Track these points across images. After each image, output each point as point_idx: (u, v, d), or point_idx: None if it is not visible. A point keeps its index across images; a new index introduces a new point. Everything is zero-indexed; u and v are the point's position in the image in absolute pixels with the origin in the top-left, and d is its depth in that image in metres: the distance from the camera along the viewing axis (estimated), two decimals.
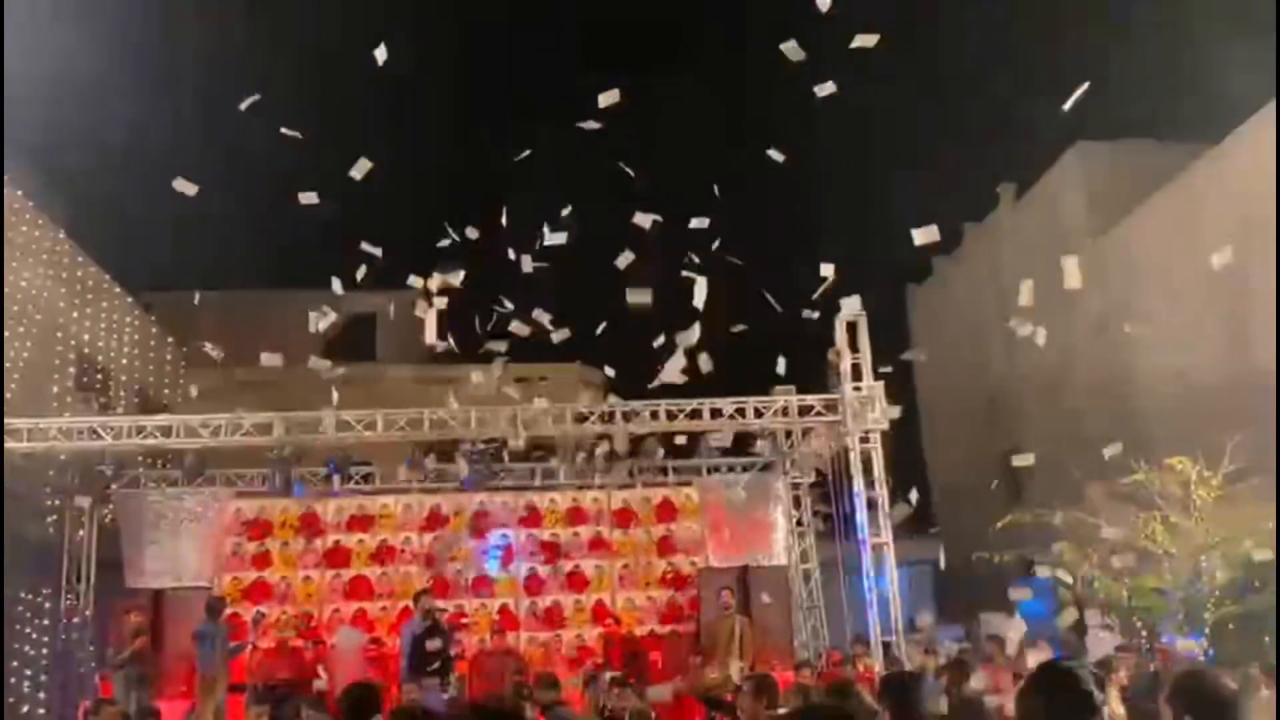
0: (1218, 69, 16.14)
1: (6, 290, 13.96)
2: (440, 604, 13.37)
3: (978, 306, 24.10)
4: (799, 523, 15.45)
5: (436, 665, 11.43)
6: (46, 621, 14.23)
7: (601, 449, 13.88)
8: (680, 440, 13.71)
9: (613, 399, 12.72)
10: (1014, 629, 14.55)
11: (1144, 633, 12.85)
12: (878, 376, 12.10)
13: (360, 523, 15.12)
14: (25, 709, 13.57)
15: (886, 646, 11.42)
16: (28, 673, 13.82)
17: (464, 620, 13.96)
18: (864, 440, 11.96)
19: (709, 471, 15.48)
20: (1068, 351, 20.27)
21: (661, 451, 14.69)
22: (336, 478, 14.13)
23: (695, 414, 12.38)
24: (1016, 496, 20.42)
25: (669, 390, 12.47)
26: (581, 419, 12.66)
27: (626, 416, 12.42)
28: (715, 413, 12.36)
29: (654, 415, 12.36)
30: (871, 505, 11.86)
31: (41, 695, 13.83)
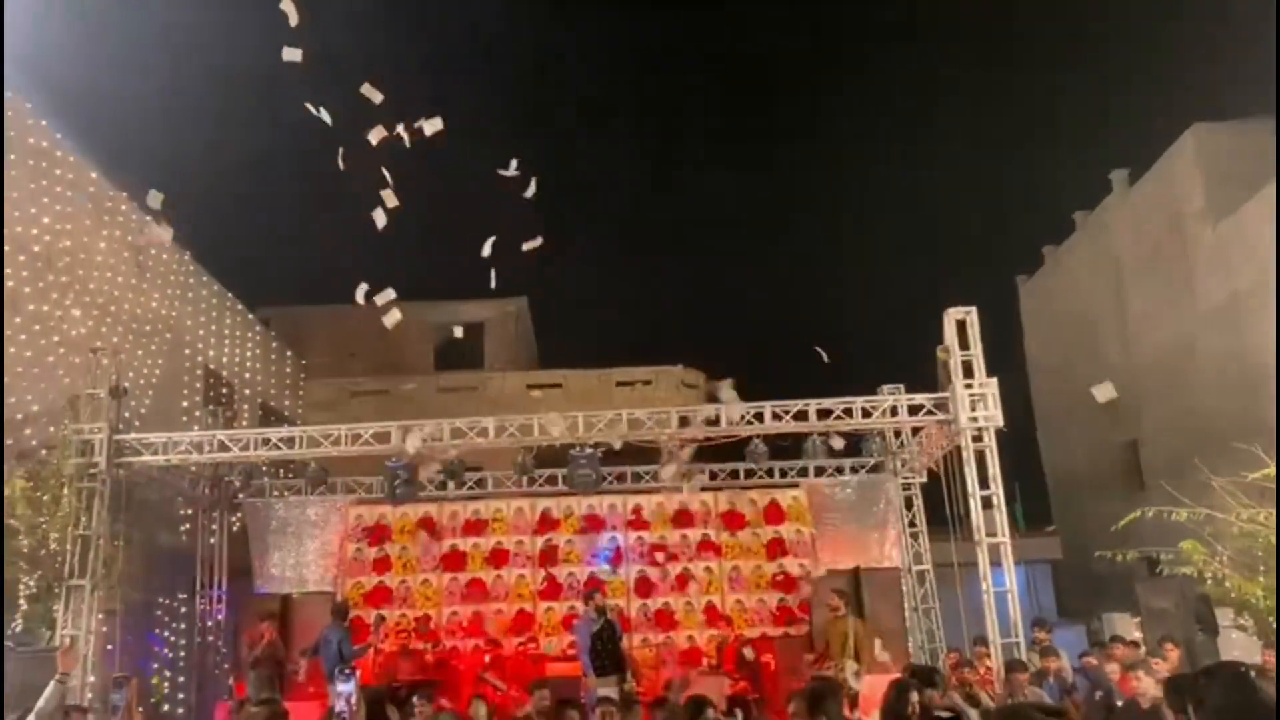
0: None
1: (140, 311, 14.72)
2: (611, 602, 13.43)
3: (1091, 296, 23.36)
4: (911, 523, 15.23)
5: (612, 662, 11.52)
6: (183, 625, 14.94)
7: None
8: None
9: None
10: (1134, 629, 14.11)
11: None
12: (990, 372, 11.83)
13: (475, 527, 15.51)
14: (166, 708, 14.27)
15: (1006, 648, 11.15)
16: (167, 673, 14.53)
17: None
18: (977, 439, 11.70)
19: (817, 473, 15.38)
20: (1190, 341, 19.50)
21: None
22: (450, 483, 14.43)
23: (801, 415, 12.26)
24: (1139, 492, 19.73)
25: (774, 391, 12.43)
26: (685, 422, 12.65)
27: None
28: (823, 413, 12.22)
29: (759, 417, 12.27)
30: (987, 504, 11.61)
31: (180, 695, 14.53)
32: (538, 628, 14.94)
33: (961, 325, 11.97)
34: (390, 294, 10.97)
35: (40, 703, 6.22)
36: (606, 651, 11.45)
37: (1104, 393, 13.85)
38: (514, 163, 10.24)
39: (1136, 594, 14.38)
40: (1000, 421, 11.67)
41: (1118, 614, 17.14)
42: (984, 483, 11.63)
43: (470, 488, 15.55)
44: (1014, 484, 18.13)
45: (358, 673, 11.55)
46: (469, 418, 12.50)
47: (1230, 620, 12.64)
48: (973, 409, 11.69)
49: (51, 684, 6.29)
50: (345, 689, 11.56)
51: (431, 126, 9.77)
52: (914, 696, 6.61)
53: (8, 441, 11.69)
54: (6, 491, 11.15)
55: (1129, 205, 22.06)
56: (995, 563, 11.55)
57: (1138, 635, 14.46)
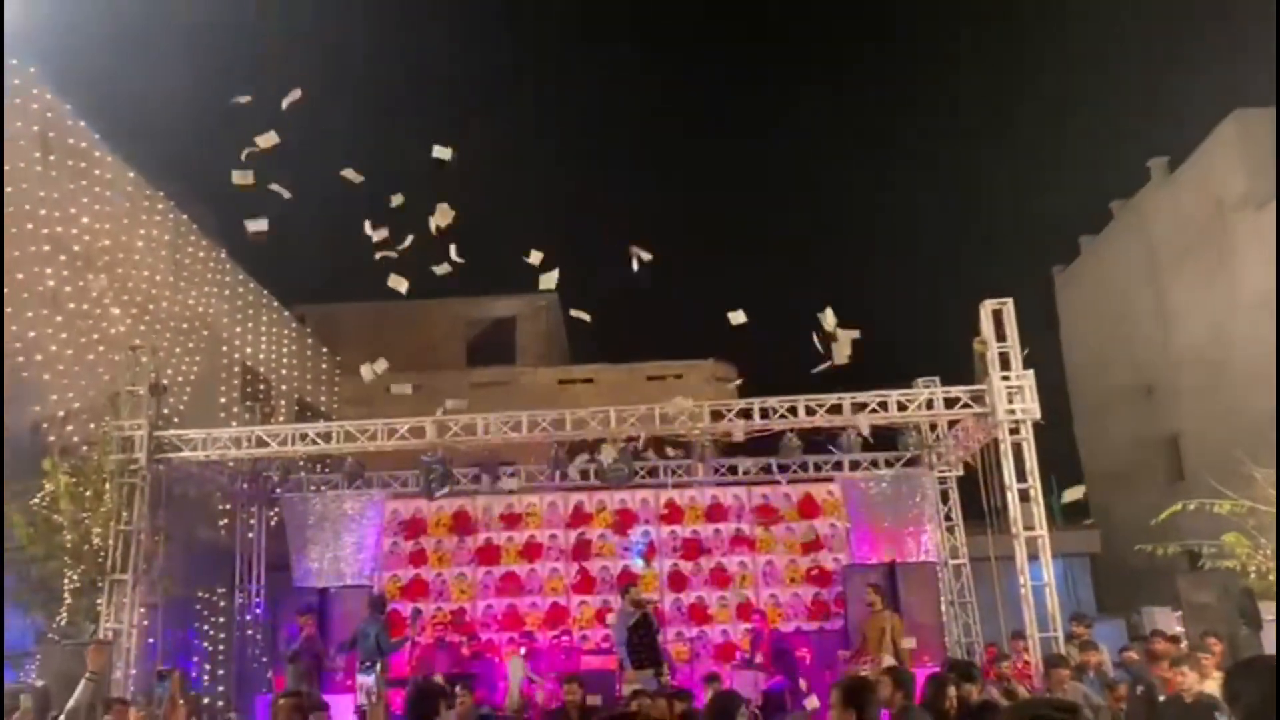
0: None
1: (178, 309, 14.90)
2: (648, 596, 13.44)
3: (1129, 287, 23.05)
4: (947, 517, 15.10)
5: (649, 655, 11.53)
6: (222, 619, 15.11)
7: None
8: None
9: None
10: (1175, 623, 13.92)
11: None
12: (1026, 365, 11.68)
13: (509, 520, 15.56)
14: (206, 700, 14.44)
15: (1044, 643, 11.04)
16: (207, 667, 14.70)
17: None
18: (1014, 431, 11.57)
19: (852, 467, 15.29)
20: (1229, 331, 19.20)
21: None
22: (486, 477, 14.48)
23: (835, 409, 12.17)
24: (1178, 484, 19.45)
25: (807, 384, 12.34)
26: (718, 416, 12.59)
27: (764, 412, 12.30)
28: (857, 407, 12.12)
29: (792, 411, 12.19)
30: (1024, 497, 11.48)
31: (220, 689, 14.70)
32: (571, 621, 14.98)
33: (998, 317, 11.84)
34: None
35: (71, 702, 6.29)
36: (644, 645, 11.46)
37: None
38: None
39: (1177, 588, 14.20)
40: (1038, 414, 11.53)
41: (1158, 608, 16.91)
42: (1021, 476, 11.50)
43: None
44: (1051, 477, 17.93)
45: (377, 666, 11.66)
46: (502, 412, 12.54)
47: (1274, 614, 12.45)
48: (1010, 401, 11.56)
49: (82, 682, 6.36)
50: (365, 681, 11.67)
51: (442, 153, 10.01)
52: (951, 691, 6.57)
53: (50, 438, 11.89)
54: (50, 487, 11.35)
55: (1168, 194, 21.73)
56: (1033, 556, 11.44)
57: (1178, 630, 14.28)
